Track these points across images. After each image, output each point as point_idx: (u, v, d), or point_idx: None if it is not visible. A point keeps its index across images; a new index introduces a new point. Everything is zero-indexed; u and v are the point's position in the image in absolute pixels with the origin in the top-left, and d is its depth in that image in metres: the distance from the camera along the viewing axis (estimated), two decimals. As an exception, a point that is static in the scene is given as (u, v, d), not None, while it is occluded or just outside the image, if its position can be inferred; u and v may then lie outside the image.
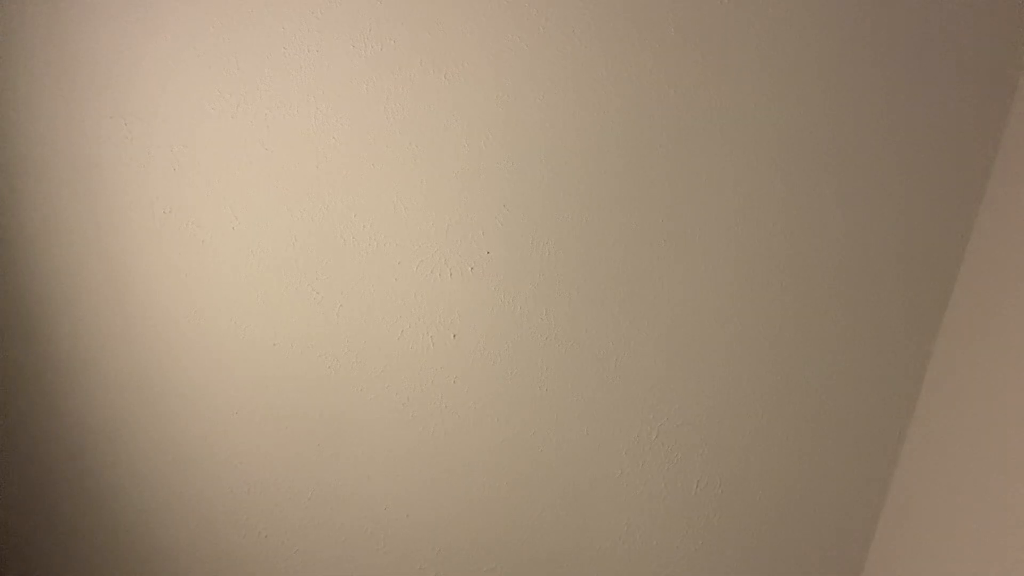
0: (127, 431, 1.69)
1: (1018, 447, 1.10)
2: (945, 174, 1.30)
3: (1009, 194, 1.23)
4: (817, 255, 1.37)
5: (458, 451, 1.59)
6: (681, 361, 1.47)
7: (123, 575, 1.82)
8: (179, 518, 1.74)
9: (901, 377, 1.42)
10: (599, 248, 1.42)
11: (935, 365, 1.39)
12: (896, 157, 1.30)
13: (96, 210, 1.53)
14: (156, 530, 1.76)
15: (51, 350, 1.65)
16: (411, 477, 1.62)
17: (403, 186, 1.43)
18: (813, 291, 1.39)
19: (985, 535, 1.16)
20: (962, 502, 1.23)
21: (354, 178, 1.44)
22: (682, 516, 1.57)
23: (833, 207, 1.34)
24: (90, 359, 1.64)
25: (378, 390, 1.56)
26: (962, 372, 1.30)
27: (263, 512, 1.71)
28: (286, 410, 1.61)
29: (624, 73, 1.32)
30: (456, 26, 1.34)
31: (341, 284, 1.51)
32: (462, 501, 1.63)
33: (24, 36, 1.45)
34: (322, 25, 1.37)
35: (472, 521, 1.64)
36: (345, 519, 1.68)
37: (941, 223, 1.32)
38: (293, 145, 1.43)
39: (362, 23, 1.36)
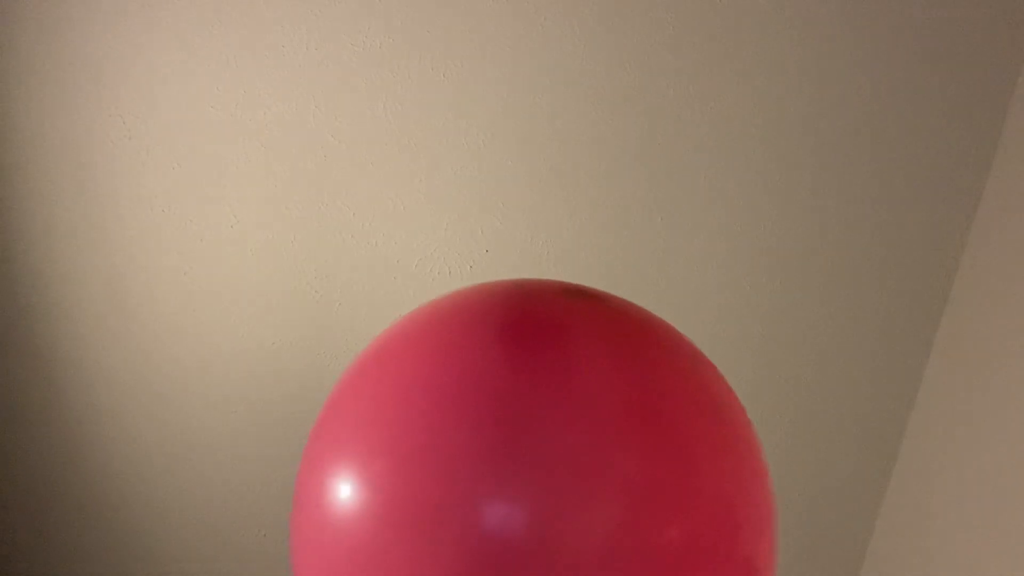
0: (125, 430, 1.68)
1: (1017, 447, 1.10)
2: (945, 172, 1.30)
3: (1008, 193, 1.23)
4: (816, 254, 1.37)
5: (457, 450, 1.58)
6: (680, 360, 1.47)
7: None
8: (178, 518, 1.74)
9: (899, 376, 1.42)
10: (597, 247, 1.42)
11: (934, 364, 1.39)
12: (896, 155, 1.30)
13: (94, 208, 1.52)
14: (155, 530, 1.76)
15: (49, 348, 1.65)
16: (410, 476, 1.62)
17: (402, 185, 1.43)
18: (811, 290, 1.39)
19: (983, 535, 1.16)
20: (960, 502, 1.23)
21: (353, 176, 1.44)
22: (681, 515, 1.57)
23: (833, 206, 1.34)
24: (87, 358, 1.64)
25: (377, 389, 1.56)
26: (961, 371, 1.30)
27: (263, 512, 1.70)
28: (285, 409, 1.61)
29: (623, 72, 1.32)
30: (455, 24, 1.34)
31: (340, 283, 1.50)
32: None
33: (22, 34, 1.44)
34: (321, 23, 1.36)
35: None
36: (344, 518, 1.68)
37: (940, 221, 1.32)
38: (292, 143, 1.43)
39: (361, 21, 1.35)
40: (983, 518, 1.16)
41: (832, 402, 1.45)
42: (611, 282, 1.43)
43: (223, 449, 1.66)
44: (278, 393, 1.60)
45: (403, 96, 1.38)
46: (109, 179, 1.50)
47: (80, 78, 1.45)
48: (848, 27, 1.25)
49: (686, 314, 1.44)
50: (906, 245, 1.34)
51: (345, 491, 0.44)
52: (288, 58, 1.38)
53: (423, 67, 1.36)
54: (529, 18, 1.32)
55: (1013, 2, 1.20)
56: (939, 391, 1.36)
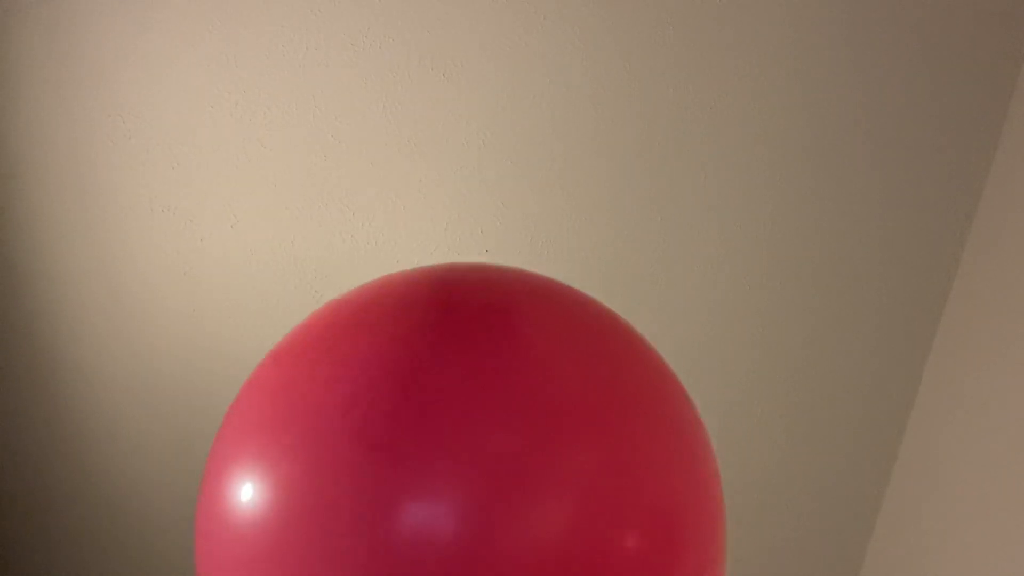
0: (125, 430, 1.68)
1: (1016, 447, 1.10)
2: (945, 172, 1.30)
3: (1008, 193, 1.23)
4: (815, 254, 1.37)
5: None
6: (676, 361, 1.47)
7: None
8: (179, 519, 1.74)
9: (899, 376, 1.42)
10: (596, 247, 1.42)
11: (933, 364, 1.39)
12: (896, 155, 1.30)
13: (94, 208, 1.52)
14: (155, 531, 1.76)
15: (48, 349, 1.65)
16: (410, 476, 1.62)
17: (402, 185, 1.43)
18: (811, 290, 1.39)
19: (983, 535, 1.16)
20: (960, 502, 1.23)
21: (353, 177, 1.44)
22: (681, 515, 1.57)
23: (832, 206, 1.34)
24: (87, 358, 1.64)
25: (377, 389, 1.56)
26: (960, 371, 1.30)
27: (261, 511, 1.70)
28: (284, 409, 1.61)
29: (623, 72, 1.32)
30: (455, 24, 1.34)
31: (340, 283, 1.50)
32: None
33: (20, 32, 1.44)
34: (321, 23, 1.36)
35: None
36: (343, 518, 1.68)
37: (940, 221, 1.32)
38: (292, 143, 1.43)
39: (361, 21, 1.35)
40: (983, 518, 1.16)
41: (831, 402, 1.45)
42: (611, 282, 1.44)
43: (223, 449, 1.66)
44: (278, 393, 1.60)
45: (403, 96, 1.38)
46: (108, 179, 1.50)
47: (80, 78, 1.45)
48: (848, 27, 1.25)
49: (685, 314, 1.44)
50: (906, 245, 1.34)
51: (252, 492, 0.40)
52: (288, 58, 1.38)
53: (423, 67, 1.36)
54: (529, 18, 1.31)
55: (1013, 2, 1.20)
56: (939, 391, 1.36)
